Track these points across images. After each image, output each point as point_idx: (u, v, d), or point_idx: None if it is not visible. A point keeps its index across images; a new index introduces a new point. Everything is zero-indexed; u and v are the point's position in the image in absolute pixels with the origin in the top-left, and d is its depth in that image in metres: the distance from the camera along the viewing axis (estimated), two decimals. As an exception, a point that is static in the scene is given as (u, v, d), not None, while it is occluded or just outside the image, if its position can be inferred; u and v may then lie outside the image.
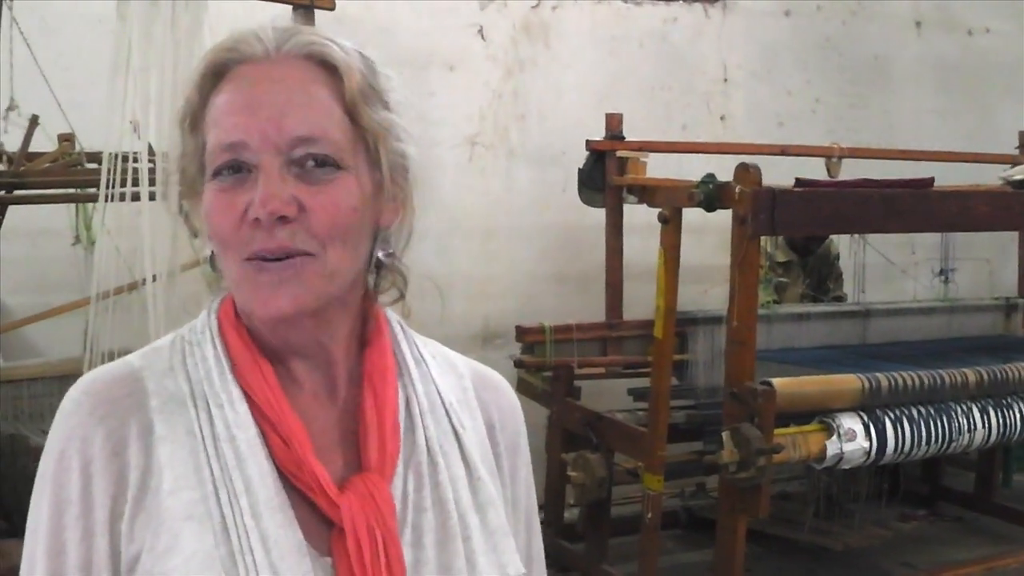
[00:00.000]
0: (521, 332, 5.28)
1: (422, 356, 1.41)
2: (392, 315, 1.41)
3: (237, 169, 1.23)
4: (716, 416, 4.82)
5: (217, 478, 1.22)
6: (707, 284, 6.26)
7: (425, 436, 1.34)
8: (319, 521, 1.25)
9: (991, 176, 6.24)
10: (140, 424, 1.24)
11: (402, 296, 1.38)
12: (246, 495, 1.21)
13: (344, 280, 1.29)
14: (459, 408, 1.39)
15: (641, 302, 5.62)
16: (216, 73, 1.27)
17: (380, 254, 1.33)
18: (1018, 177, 5.25)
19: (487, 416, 1.43)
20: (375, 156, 1.29)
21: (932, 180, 4.94)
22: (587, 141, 5.48)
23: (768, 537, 5.63)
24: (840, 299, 6.41)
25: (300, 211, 1.22)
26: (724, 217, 4.47)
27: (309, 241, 1.22)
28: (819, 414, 4.34)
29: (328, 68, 1.27)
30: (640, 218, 5.54)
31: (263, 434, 1.25)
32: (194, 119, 1.28)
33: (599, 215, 5.62)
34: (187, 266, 3.86)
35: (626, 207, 5.52)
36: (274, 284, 1.22)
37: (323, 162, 1.24)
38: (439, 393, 1.38)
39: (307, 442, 1.25)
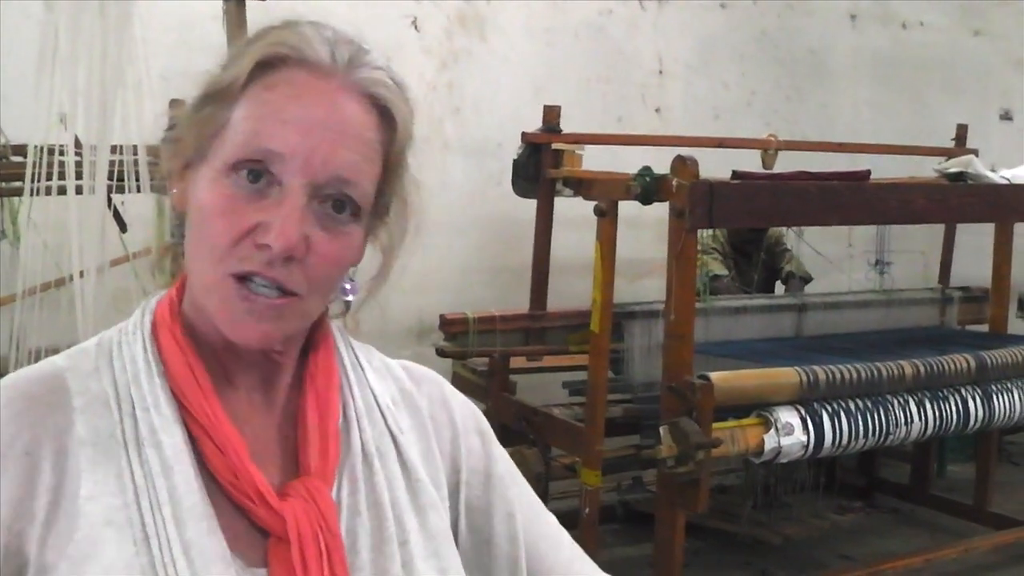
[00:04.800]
0: (445, 322, 5.22)
1: (358, 361, 1.36)
2: (333, 322, 1.36)
3: (257, 177, 1.17)
4: (653, 410, 4.81)
5: (139, 485, 1.15)
6: (642, 277, 6.25)
7: (361, 439, 1.29)
8: (249, 530, 1.19)
9: (926, 169, 6.27)
10: (58, 425, 1.17)
11: (347, 309, 1.34)
12: (169, 503, 1.14)
13: (312, 319, 1.27)
14: (396, 410, 1.34)
15: (573, 295, 5.60)
16: (270, 63, 1.20)
17: (347, 287, 1.29)
18: (953, 170, 5.26)
19: (420, 407, 1.38)
20: (384, 209, 1.28)
21: (869, 172, 4.94)
22: (523, 133, 5.43)
23: (706, 530, 5.63)
24: (794, 275, 6.38)
25: (305, 252, 1.17)
26: (659, 210, 4.46)
27: (301, 284, 1.18)
28: (757, 407, 4.32)
29: (384, 116, 1.23)
30: (575, 211, 5.50)
31: (192, 440, 1.19)
32: (227, 95, 1.20)
33: (534, 208, 5.57)
34: (116, 261, 3.78)
35: (561, 200, 5.47)
36: (255, 315, 1.17)
37: (342, 207, 1.19)
38: (375, 396, 1.34)
39: (243, 449, 1.18)
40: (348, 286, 1.29)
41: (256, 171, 1.16)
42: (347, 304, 1.33)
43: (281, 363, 1.28)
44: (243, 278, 1.16)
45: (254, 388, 1.27)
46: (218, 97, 1.20)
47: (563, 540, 1.44)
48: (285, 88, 1.18)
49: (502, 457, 1.42)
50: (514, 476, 1.43)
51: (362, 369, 1.35)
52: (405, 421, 1.35)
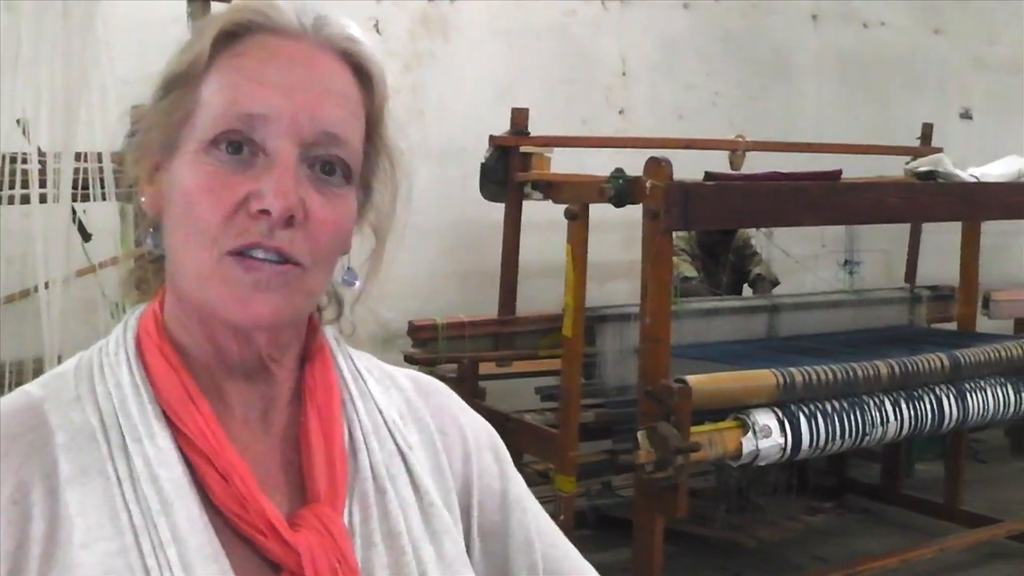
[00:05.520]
0: (413, 328, 5.13)
1: (359, 371, 1.27)
2: (328, 329, 1.27)
3: (238, 149, 1.09)
4: (626, 414, 4.76)
5: (138, 525, 1.05)
6: (611, 280, 6.21)
7: (370, 460, 1.19)
8: (260, 566, 1.09)
9: (889, 167, 6.27)
10: (44, 465, 1.06)
11: (341, 314, 1.26)
12: (174, 544, 1.04)
13: (317, 300, 1.19)
14: (403, 424, 1.25)
15: (541, 299, 5.57)
16: (235, 33, 1.12)
17: (341, 279, 1.21)
18: (924, 169, 5.25)
19: (427, 421, 1.28)
20: (368, 177, 1.20)
21: (840, 172, 4.92)
22: (491, 137, 5.37)
23: (679, 534, 5.58)
24: (762, 277, 6.36)
25: (304, 217, 1.09)
26: (625, 212, 4.42)
27: (304, 253, 1.09)
28: (733, 411, 4.28)
29: (359, 73, 1.16)
30: (541, 214, 5.45)
31: (192, 471, 1.09)
32: (192, 75, 1.12)
33: (500, 212, 5.52)
34: (81, 272, 3.68)
35: (527, 203, 5.42)
36: (259, 287, 1.07)
37: (332, 170, 1.11)
38: (380, 411, 1.24)
39: (251, 477, 1.09)
40: (349, 277, 1.21)
41: (236, 143, 1.09)
42: (340, 309, 1.26)
43: (277, 376, 1.18)
44: (241, 254, 1.07)
45: (250, 408, 1.17)
46: (181, 80, 1.12)
47: (584, 566, 1.36)
48: (257, 52, 1.11)
49: (516, 477, 1.34)
50: (529, 497, 1.34)
51: (364, 381, 1.26)
52: (413, 436, 1.25)
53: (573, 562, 1.35)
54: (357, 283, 1.22)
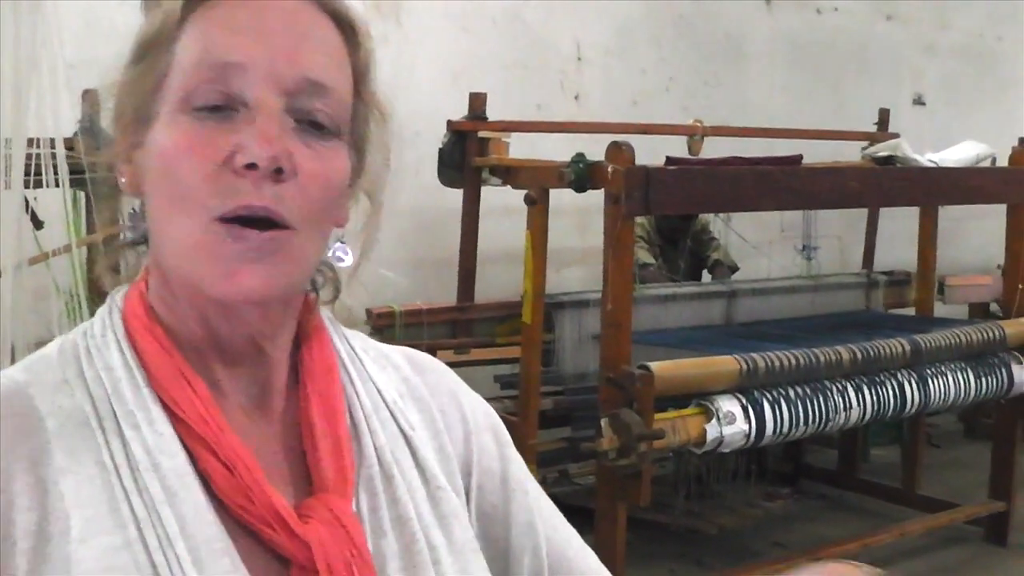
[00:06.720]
0: (371, 315, 5.06)
1: (355, 351, 1.20)
2: (322, 310, 1.19)
3: (216, 108, 1.01)
4: (585, 401, 4.73)
5: (141, 518, 0.97)
6: (565, 267, 6.18)
7: (374, 444, 1.12)
8: (268, 561, 1.02)
9: (846, 153, 6.27)
10: (32, 453, 0.98)
11: (338, 293, 1.19)
12: (182, 538, 0.97)
13: (310, 271, 1.10)
14: (403, 405, 1.19)
15: (496, 286, 5.57)
16: None
17: (337, 252, 1.13)
18: (883, 153, 5.24)
19: (426, 400, 1.22)
20: (359, 138, 1.13)
21: (800, 157, 4.90)
22: (448, 121, 5.29)
23: (639, 522, 5.54)
24: (721, 263, 6.34)
25: (292, 171, 1.01)
26: (579, 199, 4.38)
27: (293, 211, 1.01)
28: (695, 397, 4.25)
29: (340, 23, 1.08)
30: (498, 200, 5.40)
31: (193, 460, 1.01)
32: (162, 36, 1.04)
33: (453, 199, 5.45)
34: (35, 259, 3.59)
35: (484, 189, 5.36)
36: (249, 258, 0.99)
37: (320, 124, 1.04)
38: (379, 391, 1.17)
39: (257, 466, 1.02)
40: (340, 252, 1.13)
41: (213, 103, 1.01)
42: (337, 291, 1.18)
43: (273, 358, 1.11)
44: (231, 220, 0.99)
45: (246, 393, 1.10)
46: (152, 44, 1.04)
47: (588, 552, 1.29)
48: (229, 2, 1.03)
49: (516, 458, 1.27)
50: (530, 479, 1.27)
51: (360, 361, 1.19)
52: (414, 416, 1.19)
53: (576, 547, 1.28)
54: (347, 258, 1.14)
